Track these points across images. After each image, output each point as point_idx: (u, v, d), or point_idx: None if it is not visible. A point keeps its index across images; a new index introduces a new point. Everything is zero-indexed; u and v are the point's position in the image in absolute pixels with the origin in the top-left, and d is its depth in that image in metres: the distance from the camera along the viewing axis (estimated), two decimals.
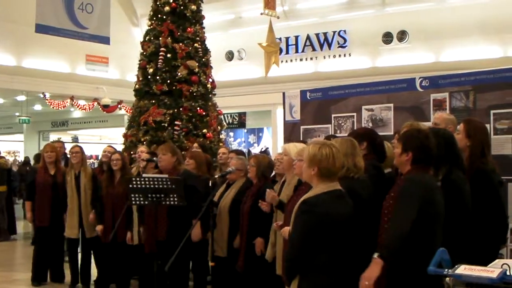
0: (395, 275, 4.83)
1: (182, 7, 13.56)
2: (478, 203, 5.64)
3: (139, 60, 13.77)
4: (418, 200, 4.79)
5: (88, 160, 15.60)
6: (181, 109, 12.82)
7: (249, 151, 25.02)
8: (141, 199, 7.80)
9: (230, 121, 26.12)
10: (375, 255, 4.77)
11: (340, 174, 5.17)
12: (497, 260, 4.45)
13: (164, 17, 13.48)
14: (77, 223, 10.26)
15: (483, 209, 5.73)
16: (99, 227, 9.89)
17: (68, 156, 11.34)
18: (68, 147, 13.94)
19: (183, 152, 10.05)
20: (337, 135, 9.85)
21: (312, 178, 4.88)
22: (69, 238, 10.43)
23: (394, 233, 4.76)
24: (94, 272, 10.48)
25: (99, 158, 12.35)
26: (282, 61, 21.05)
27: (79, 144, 11.58)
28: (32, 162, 18.20)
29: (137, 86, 13.66)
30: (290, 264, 4.80)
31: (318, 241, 4.67)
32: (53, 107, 24.28)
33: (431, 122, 7.30)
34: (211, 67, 14.02)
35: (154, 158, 9.19)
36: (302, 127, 10.87)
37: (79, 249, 10.77)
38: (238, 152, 9.69)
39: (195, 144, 11.12)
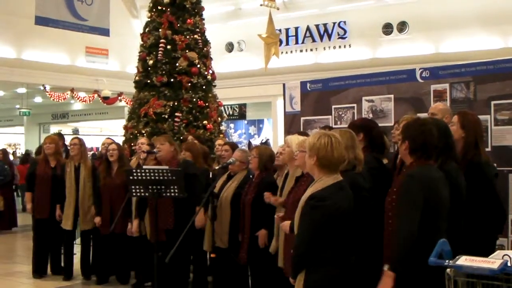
0: (406, 276, 4.74)
1: None
2: (473, 195, 5.63)
3: (139, 52, 13.75)
4: (420, 199, 4.68)
5: (88, 152, 15.59)
6: (181, 100, 12.82)
7: (249, 143, 25.02)
8: (142, 191, 7.80)
9: (231, 112, 26.13)
10: (386, 268, 4.69)
11: (342, 167, 5.12)
12: (498, 251, 4.45)
13: (164, 8, 13.45)
14: (73, 215, 10.26)
15: (479, 200, 5.72)
16: (97, 219, 9.90)
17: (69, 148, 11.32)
18: (68, 139, 13.92)
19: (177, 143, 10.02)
20: (337, 126, 9.86)
21: (313, 169, 4.88)
22: (66, 230, 10.42)
23: (402, 244, 4.64)
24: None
25: (99, 150, 12.32)
26: (282, 53, 21.05)
27: (79, 136, 11.57)
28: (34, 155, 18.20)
29: (137, 77, 13.65)
30: (299, 259, 4.79)
31: (327, 235, 4.67)
32: (53, 99, 24.31)
33: (428, 113, 7.25)
34: (211, 58, 14.01)
35: (155, 150, 9.19)
36: (302, 118, 10.86)
37: (78, 241, 10.80)
38: (232, 145, 9.66)
39: (190, 136, 11.07)
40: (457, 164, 5.47)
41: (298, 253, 4.79)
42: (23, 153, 27.27)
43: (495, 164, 7.80)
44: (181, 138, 11.96)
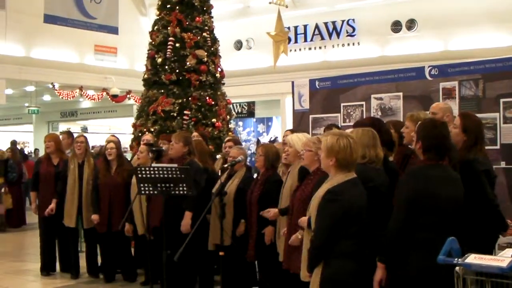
0: (396, 268, 4.98)
1: None
2: (466, 192, 5.65)
3: (148, 50, 13.76)
4: (410, 194, 4.90)
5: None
6: (190, 98, 12.82)
7: (258, 141, 25.02)
8: (150, 188, 7.81)
9: (239, 110, 26.09)
10: (377, 259, 5.02)
11: (360, 162, 5.35)
12: (506, 249, 4.45)
13: (173, 6, 13.45)
14: (76, 212, 10.25)
15: (471, 198, 5.74)
16: (94, 217, 9.90)
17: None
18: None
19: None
20: (345, 124, 9.87)
21: (330, 168, 5.01)
22: (70, 228, 10.39)
23: (387, 237, 4.98)
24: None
25: (101, 148, 12.31)
26: (290, 50, 21.00)
27: (84, 134, 11.58)
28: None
29: (145, 75, 13.66)
30: (317, 252, 4.92)
31: (344, 228, 4.79)
32: (62, 98, 24.31)
33: (428, 112, 7.26)
34: (219, 56, 14.00)
35: (160, 148, 9.17)
36: (311, 116, 10.87)
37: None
38: (235, 141, 9.66)
39: (195, 133, 10.97)
40: (452, 165, 5.49)
41: (316, 246, 4.92)
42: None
43: (503, 163, 7.82)
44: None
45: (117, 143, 10.17)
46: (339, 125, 10.06)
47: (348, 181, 4.90)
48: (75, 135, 11.61)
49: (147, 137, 10.88)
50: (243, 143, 23.83)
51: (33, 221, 17.37)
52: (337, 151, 4.89)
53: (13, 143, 22.01)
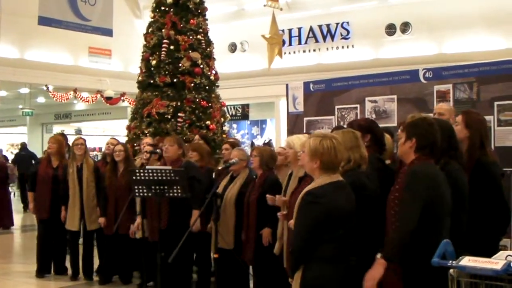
0: (409, 274, 4.72)
1: None
2: (479, 195, 5.61)
3: (142, 52, 13.75)
4: (423, 195, 4.66)
5: (91, 152, 15.61)
6: (184, 101, 12.81)
7: (252, 143, 25.02)
8: (145, 191, 7.82)
9: (233, 113, 26.08)
10: (379, 255, 4.71)
11: (347, 167, 5.26)
12: (501, 252, 4.45)
13: (167, 9, 13.44)
14: (79, 215, 10.24)
15: (484, 201, 5.70)
16: (101, 219, 9.91)
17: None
18: (71, 139, 13.93)
19: (186, 144, 9.99)
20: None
21: (315, 171, 4.88)
22: (70, 231, 10.41)
23: (398, 234, 4.67)
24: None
25: (103, 150, 12.33)
26: (285, 53, 20.98)
27: (82, 136, 11.58)
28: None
29: (140, 78, 13.64)
30: (296, 256, 4.79)
31: (324, 232, 4.66)
32: (56, 100, 24.29)
33: (434, 112, 7.23)
34: (214, 58, 13.99)
35: (158, 150, 9.19)
36: (305, 118, 10.86)
37: (80, 241, 10.76)
38: (232, 143, 9.67)
39: (197, 136, 11.06)
40: (460, 164, 5.46)
41: (295, 248, 4.79)
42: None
43: None
44: (186, 138, 11.94)
45: (126, 146, 10.21)
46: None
47: (331, 184, 4.76)
48: (69, 137, 11.62)
49: (147, 140, 10.87)
50: None
51: (23, 223, 17.42)
52: (321, 153, 4.77)
53: (23, 144, 22.32)
